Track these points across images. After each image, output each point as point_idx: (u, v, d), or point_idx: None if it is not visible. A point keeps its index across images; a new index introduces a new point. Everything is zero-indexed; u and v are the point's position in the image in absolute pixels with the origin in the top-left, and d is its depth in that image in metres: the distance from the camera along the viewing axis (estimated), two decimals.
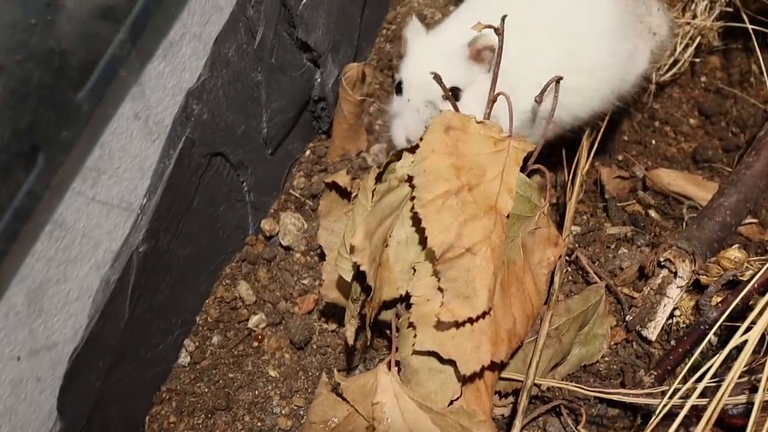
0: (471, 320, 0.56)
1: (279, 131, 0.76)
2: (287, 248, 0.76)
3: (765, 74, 0.85)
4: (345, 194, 0.70)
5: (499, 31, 0.64)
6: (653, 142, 0.88)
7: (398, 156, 0.62)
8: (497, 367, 0.60)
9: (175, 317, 0.71)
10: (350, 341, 0.62)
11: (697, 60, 0.89)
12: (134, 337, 0.65)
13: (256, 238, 0.77)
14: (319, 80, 0.77)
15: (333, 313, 0.73)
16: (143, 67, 0.67)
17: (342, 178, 0.70)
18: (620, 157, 0.87)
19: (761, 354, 0.62)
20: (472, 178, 0.60)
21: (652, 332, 0.70)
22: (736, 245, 0.72)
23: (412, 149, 0.60)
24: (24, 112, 0.53)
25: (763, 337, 0.60)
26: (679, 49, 0.86)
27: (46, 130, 0.55)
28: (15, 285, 0.57)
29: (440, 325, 0.56)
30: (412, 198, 0.57)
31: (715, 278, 0.69)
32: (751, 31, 0.82)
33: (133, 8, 0.61)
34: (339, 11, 0.77)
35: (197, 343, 0.73)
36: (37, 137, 0.55)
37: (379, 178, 0.62)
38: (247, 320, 0.74)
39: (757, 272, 0.65)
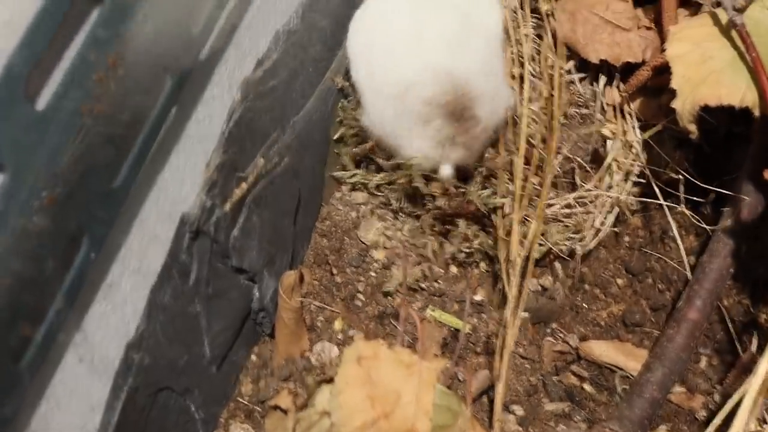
0: None
1: (222, 349, 0.80)
2: None
3: (679, 242, 0.90)
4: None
5: None
6: (585, 306, 0.93)
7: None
8: None
9: None
10: None
11: (617, 229, 0.94)
12: None
13: None
14: (257, 295, 0.82)
15: None
16: (83, 316, 0.71)
17: (283, 400, 0.74)
18: (554, 325, 0.91)
19: None
20: (387, 405, 0.64)
21: None
22: (663, 427, 0.76)
23: (330, 380, 0.65)
24: None
25: None
26: (600, 219, 0.91)
27: None
28: None
29: None
30: None
31: None
32: (665, 207, 0.88)
33: (66, 276, 0.66)
34: (271, 229, 0.82)
35: None
36: None
37: (304, 407, 0.67)
38: None
39: None
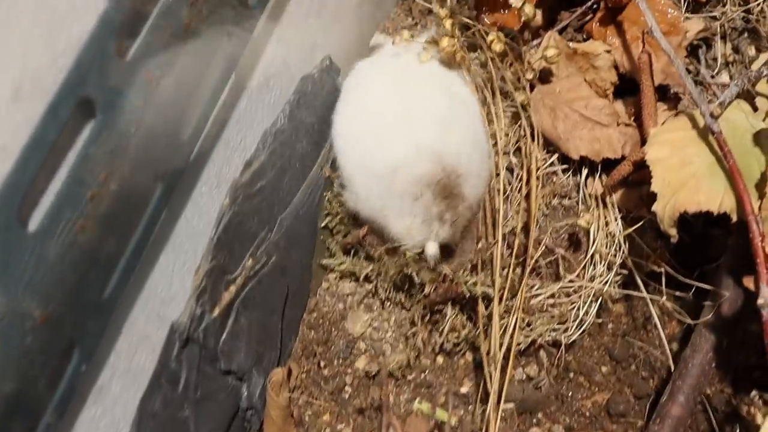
0: None
1: None
2: None
3: (660, 330, 0.91)
4: None
5: None
6: (569, 394, 0.94)
7: None
8: None
9: None
10: None
11: (601, 318, 0.95)
12: None
13: None
14: (245, 393, 0.82)
15: None
16: (73, 423, 0.71)
17: None
18: (540, 415, 0.92)
19: None
20: None
21: None
22: None
23: None
24: None
25: None
26: (583, 309, 0.93)
27: None
28: None
29: None
30: None
31: None
32: (648, 299, 0.90)
33: (56, 390, 0.66)
34: (259, 328, 0.82)
35: None
36: None
37: None
38: None
39: None
